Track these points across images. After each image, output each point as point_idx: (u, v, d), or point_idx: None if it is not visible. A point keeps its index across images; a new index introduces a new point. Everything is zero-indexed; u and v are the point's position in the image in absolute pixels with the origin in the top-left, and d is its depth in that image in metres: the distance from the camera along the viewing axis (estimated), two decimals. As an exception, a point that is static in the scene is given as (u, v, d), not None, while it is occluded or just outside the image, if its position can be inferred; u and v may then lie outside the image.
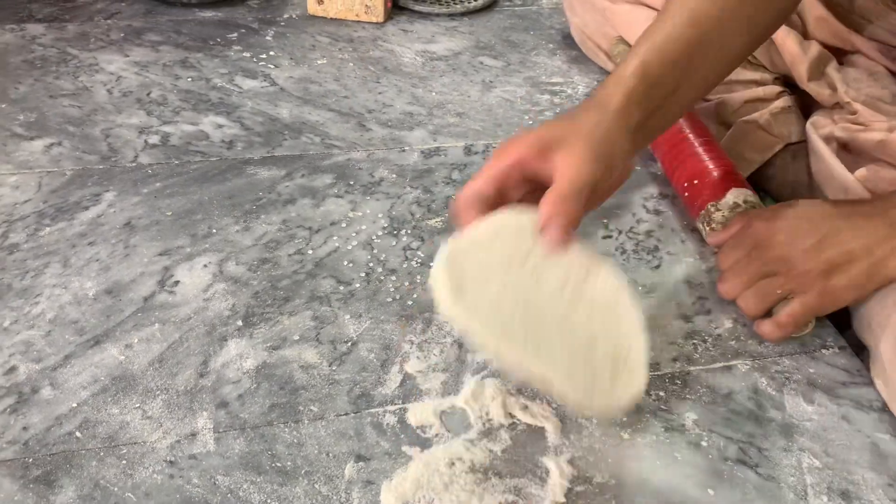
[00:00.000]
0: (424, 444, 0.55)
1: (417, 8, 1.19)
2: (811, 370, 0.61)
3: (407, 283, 0.68)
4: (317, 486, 0.52)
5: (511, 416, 0.57)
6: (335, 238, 0.73)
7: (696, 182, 0.74)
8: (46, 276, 0.68)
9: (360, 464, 0.53)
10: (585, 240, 0.74)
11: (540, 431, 0.56)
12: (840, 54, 0.84)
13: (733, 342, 0.64)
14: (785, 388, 0.60)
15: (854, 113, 0.76)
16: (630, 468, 0.54)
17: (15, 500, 0.50)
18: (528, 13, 1.22)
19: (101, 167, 0.82)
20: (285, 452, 0.54)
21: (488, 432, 0.56)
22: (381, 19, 1.16)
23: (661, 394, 0.59)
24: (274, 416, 0.56)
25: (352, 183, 0.81)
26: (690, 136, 0.79)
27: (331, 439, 0.55)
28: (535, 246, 0.52)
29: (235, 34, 1.11)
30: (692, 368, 0.61)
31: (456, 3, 1.21)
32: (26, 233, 0.72)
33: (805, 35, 0.85)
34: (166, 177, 0.81)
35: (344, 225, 0.75)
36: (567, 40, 1.12)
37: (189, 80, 0.99)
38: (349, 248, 0.72)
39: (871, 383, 0.60)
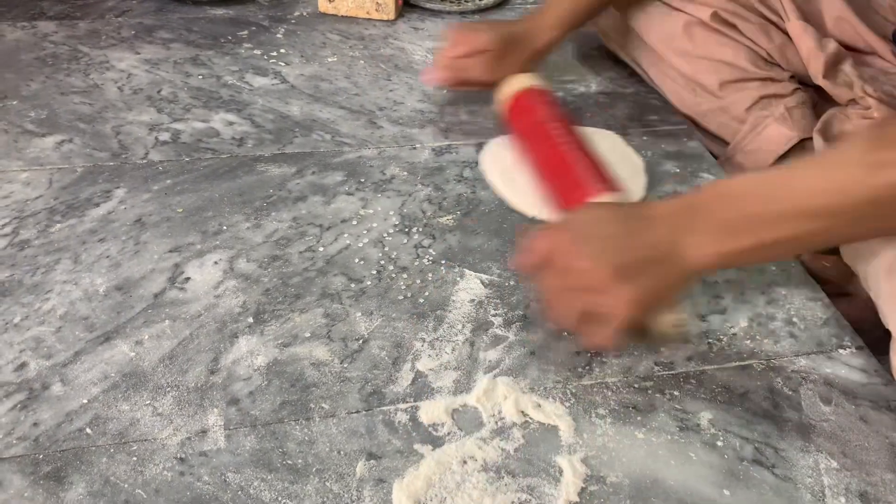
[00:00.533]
0: (436, 442, 0.54)
1: (428, 5, 1.19)
2: (828, 370, 0.61)
3: (418, 281, 0.68)
4: (328, 483, 0.51)
5: (524, 414, 0.57)
6: (346, 235, 0.73)
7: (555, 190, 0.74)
8: (57, 273, 0.67)
9: (372, 462, 0.53)
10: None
11: (553, 430, 0.56)
12: (856, 54, 0.84)
13: (748, 341, 0.63)
14: (801, 388, 0.59)
15: (868, 108, 0.76)
16: (644, 468, 0.53)
17: (25, 496, 0.50)
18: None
19: (111, 164, 0.82)
20: (296, 450, 0.53)
21: (501, 431, 0.55)
22: (391, 17, 1.15)
23: (676, 393, 0.58)
24: (285, 413, 0.56)
25: (363, 180, 0.80)
26: (542, 160, 0.77)
27: (342, 437, 0.54)
28: None
29: (246, 32, 1.11)
30: (707, 368, 0.61)
31: (467, 1, 1.20)
32: (37, 229, 0.72)
33: (822, 33, 0.84)
34: (177, 174, 0.80)
35: (355, 222, 0.75)
36: (580, 38, 1.11)
37: (200, 77, 0.99)
38: (360, 245, 0.72)
39: (889, 383, 0.60)
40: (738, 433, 0.56)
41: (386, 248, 0.71)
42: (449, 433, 0.55)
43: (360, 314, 0.64)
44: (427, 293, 0.67)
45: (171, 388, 0.58)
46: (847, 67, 0.81)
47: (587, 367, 0.60)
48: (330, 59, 1.04)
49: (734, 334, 0.64)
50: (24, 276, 0.67)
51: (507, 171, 0.81)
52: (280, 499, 0.50)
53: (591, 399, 0.58)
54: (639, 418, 0.56)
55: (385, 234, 0.73)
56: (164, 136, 0.86)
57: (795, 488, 0.52)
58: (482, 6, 1.19)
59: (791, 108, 0.84)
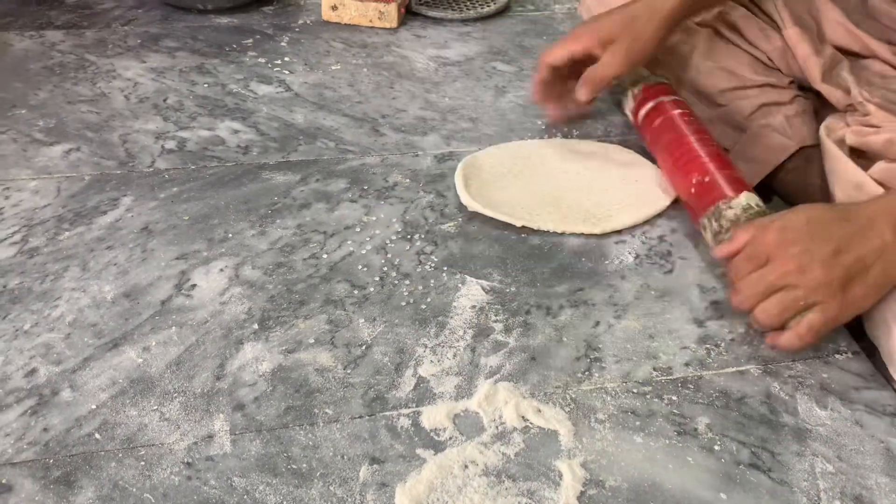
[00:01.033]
0: (438, 447, 0.55)
1: (430, 13, 1.20)
2: (824, 375, 0.62)
3: (421, 287, 0.69)
4: (332, 488, 0.52)
5: (524, 419, 0.58)
6: (349, 242, 0.74)
7: (706, 179, 0.72)
8: (66, 280, 0.69)
9: (375, 466, 0.54)
10: (599, 244, 0.74)
11: (553, 435, 0.56)
12: (853, 58, 0.85)
13: (746, 347, 0.64)
14: (798, 392, 0.60)
15: (867, 114, 0.76)
16: (642, 472, 0.54)
17: (36, 500, 0.51)
18: (540, 18, 1.22)
19: (118, 172, 0.83)
20: (301, 454, 0.54)
21: (501, 435, 0.56)
22: (394, 25, 1.17)
23: (674, 398, 0.59)
24: (289, 418, 0.57)
25: (366, 187, 0.82)
26: (694, 140, 0.77)
27: (345, 442, 0.56)
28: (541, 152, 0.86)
29: (251, 40, 1.12)
30: (705, 373, 0.62)
31: (469, 9, 1.21)
32: (46, 237, 0.73)
33: (820, 38, 0.85)
34: (183, 182, 0.82)
35: (358, 229, 0.76)
36: (580, 45, 1.12)
37: (205, 85, 1.00)
38: (363, 252, 0.73)
39: (884, 387, 0.60)
40: (735, 437, 0.56)
41: (388, 255, 0.73)
42: (450, 438, 0.56)
43: (363, 320, 0.66)
44: (429, 299, 0.68)
45: (177, 394, 0.59)
46: (844, 72, 0.82)
47: (587, 373, 0.61)
48: (333, 67, 1.05)
49: (732, 340, 0.65)
50: (33, 284, 0.68)
51: (483, 188, 0.80)
52: (285, 503, 0.51)
53: (591, 404, 0.59)
54: (637, 423, 0.57)
55: (388, 241, 0.74)
56: (171, 145, 0.88)
57: (791, 492, 0.53)
58: (483, 14, 1.21)
59: (790, 116, 0.84)
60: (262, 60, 1.07)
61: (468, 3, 1.23)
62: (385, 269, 0.71)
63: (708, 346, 0.64)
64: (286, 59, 1.07)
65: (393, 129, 0.92)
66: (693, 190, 0.74)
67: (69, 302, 0.66)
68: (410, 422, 0.57)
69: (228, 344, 0.63)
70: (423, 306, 0.67)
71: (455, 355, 0.63)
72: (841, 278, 0.59)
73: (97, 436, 0.55)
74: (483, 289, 0.69)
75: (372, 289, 0.69)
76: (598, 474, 0.54)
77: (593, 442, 0.56)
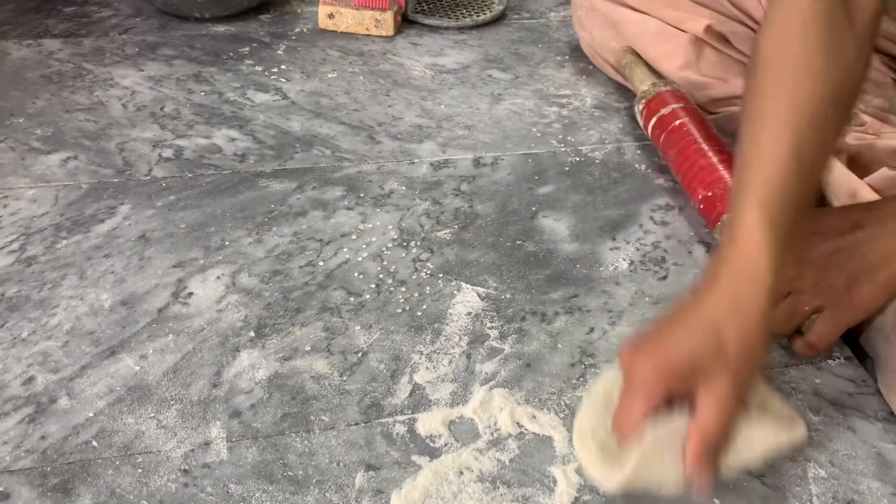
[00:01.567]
0: (433, 453, 0.56)
1: (427, 21, 1.21)
2: (817, 381, 0.62)
3: (416, 294, 0.69)
4: (328, 494, 0.53)
5: (519, 425, 0.58)
6: (346, 250, 0.74)
7: (710, 194, 0.74)
8: (63, 288, 0.69)
9: (371, 473, 0.54)
10: (594, 251, 0.75)
11: (548, 441, 0.57)
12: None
13: (739, 353, 0.64)
14: (791, 398, 0.60)
15: (862, 124, 0.77)
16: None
17: (33, 507, 0.51)
18: (536, 26, 1.23)
19: (116, 181, 0.83)
20: (297, 461, 0.55)
21: (497, 442, 0.57)
22: (390, 33, 1.17)
23: (668, 404, 0.60)
24: (286, 425, 0.57)
25: (362, 195, 0.82)
26: (704, 146, 0.78)
27: (341, 449, 0.56)
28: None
29: (248, 48, 1.13)
30: (698, 379, 0.62)
31: (464, 17, 1.22)
32: (43, 245, 0.74)
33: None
34: (180, 190, 0.82)
35: (354, 237, 0.76)
36: (575, 53, 1.13)
37: (202, 94, 1.01)
38: (359, 259, 0.73)
39: (876, 393, 0.61)
40: (728, 443, 0.57)
41: (385, 262, 0.73)
42: (446, 444, 0.57)
43: (359, 328, 0.66)
44: (425, 306, 0.68)
45: (174, 402, 0.59)
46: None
47: (581, 379, 0.62)
48: (330, 75, 1.06)
49: (725, 346, 0.65)
50: (31, 292, 0.69)
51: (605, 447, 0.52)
52: (281, 509, 0.52)
53: (585, 410, 0.59)
54: (631, 429, 0.58)
55: (384, 249, 0.75)
56: (168, 153, 0.88)
57: (784, 497, 0.53)
58: (479, 21, 1.21)
59: None
60: (258, 69, 1.07)
61: (464, 10, 1.24)
62: (381, 276, 0.71)
63: (701, 352, 0.64)
64: (283, 67, 1.08)
65: (389, 136, 0.93)
66: (701, 206, 0.75)
67: (67, 310, 0.67)
68: (406, 428, 0.58)
69: (225, 351, 0.63)
70: (419, 313, 0.67)
71: (450, 362, 0.63)
72: (845, 281, 0.59)
73: (94, 443, 0.56)
74: (478, 295, 0.69)
75: (368, 296, 0.69)
76: (593, 480, 0.54)
77: (588, 448, 0.56)
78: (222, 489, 0.53)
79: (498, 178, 0.86)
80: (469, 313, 0.68)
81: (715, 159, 0.77)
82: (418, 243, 0.75)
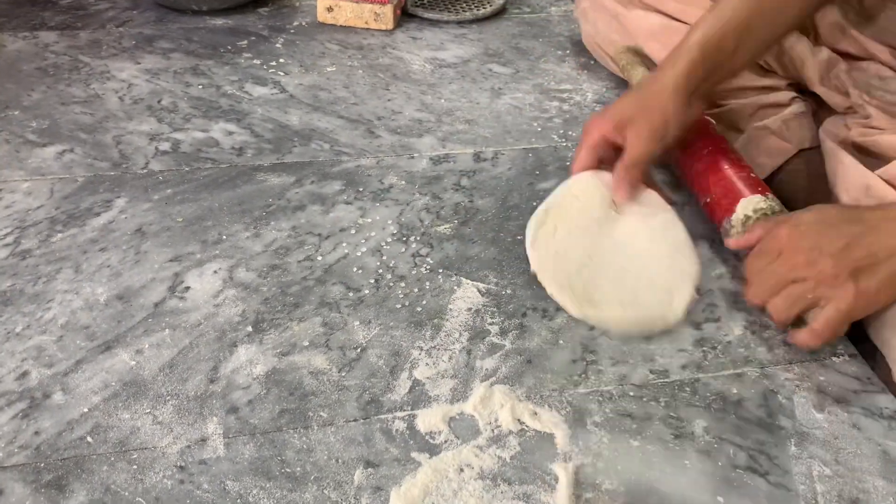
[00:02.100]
0: (433, 450, 0.55)
1: (426, 15, 1.20)
2: (821, 378, 0.61)
3: (416, 290, 0.68)
4: (326, 491, 0.52)
5: (520, 422, 0.57)
6: (344, 244, 0.74)
7: (708, 200, 0.74)
8: (58, 282, 0.68)
9: (370, 470, 0.53)
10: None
11: (549, 438, 0.56)
12: (851, 60, 0.84)
13: (742, 349, 0.64)
14: (795, 395, 0.60)
15: (867, 117, 0.76)
16: (639, 475, 0.54)
17: (27, 504, 0.50)
18: (536, 20, 1.22)
19: (112, 174, 0.82)
20: (295, 458, 0.54)
21: (497, 439, 0.56)
22: (390, 27, 1.16)
23: (671, 401, 0.59)
24: (283, 421, 0.57)
25: (361, 189, 0.81)
26: (700, 148, 0.77)
27: (340, 445, 0.55)
28: (605, 203, 0.71)
29: (246, 42, 1.12)
30: (701, 376, 0.61)
31: (465, 11, 1.21)
32: (38, 239, 0.73)
33: (816, 41, 0.85)
34: (177, 183, 0.81)
35: (353, 231, 0.75)
36: (576, 47, 1.12)
37: (200, 87, 1.00)
38: (358, 254, 0.72)
39: (882, 391, 0.60)
40: (732, 441, 0.56)
41: (384, 257, 0.72)
42: (446, 441, 0.56)
43: (358, 323, 0.65)
44: (424, 302, 0.67)
45: (170, 397, 0.58)
46: (841, 74, 0.82)
47: (583, 376, 0.61)
48: (329, 69, 1.05)
49: (729, 342, 0.64)
50: (25, 286, 0.68)
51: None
52: (279, 506, 0.51)
53: (587, 407, 0.58)
54: (634, 426, 0.57)
55: (383, 243, 0.74)
56: (165, 146, 0.87)
57: (789, 495, 0.53)
58: (479, 16, 1.20)
59: (788, 119, 0.84)
60: (256, 62, 1.06)
61: (464, 4, 1.23)
62: (380, 271, 0.71)
63: (705, 348, 0.64)
64: (281, 60, 1.07)
65: (388, 130, 0.92)
66: (707, 212, 0.75)
67: (62, 304, 0.66)
68: (405, 425, 0.57)
69: (222, 346, 0.62)
70: (419, 309, 0.67)
71: (450, 358, 0.62)
72: (850, 271, 0.59)
73: (89, 439, 0.55)
74: (479, 291, 0.69)
75: (367, 291, 0.68)
76: (595, 478, 0.53)
77: (589, 445, 0.56)
78: (219, 486, 0.52)
79: (498, 172, 0.85)
80: (469, 309, 0.67)
81: (707, 161, 0.76)
82: (418, 238, 0.75)
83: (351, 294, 0.68)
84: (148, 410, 0.57)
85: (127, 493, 0.51)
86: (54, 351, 0.62)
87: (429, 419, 0.57)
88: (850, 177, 0.72)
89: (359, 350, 0.63)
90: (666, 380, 0.61)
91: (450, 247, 0.74)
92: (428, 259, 0.72)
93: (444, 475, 0.53)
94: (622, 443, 0.56)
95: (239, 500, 0.51)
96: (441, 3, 1.23)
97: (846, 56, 0.84)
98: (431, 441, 0.56)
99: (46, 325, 0.64)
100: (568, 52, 1.12)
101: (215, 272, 0.70)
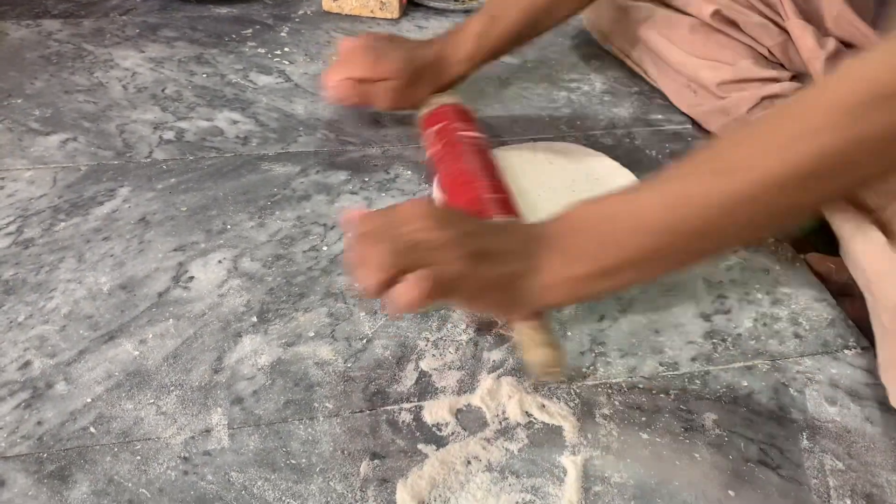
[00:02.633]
0: (440, 442, 0.54)
1: (432, 4, 1.19)
2: (833, 371, 0.60)
3: (422, 280, 0.68)
4: (332, 483, 0.51)
5: (528, 414, 0.56)
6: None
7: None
8: (61, 271, 0.67)
9: (376, 461, 0.53)
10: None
11: (557, 430, 0.55)
12: (857, 51, 0.83)
13: (753, 342, 0.63)
14: (807, 388, 0.59)
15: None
16: (649, 468, 0.53)
17: (29, 494, 0.50)
18: (543, 10, 1.21)
19: (115, 163, 0.82)
20: (300, 449, 0.53)
21: (505, 431, 0.55)
22: (395, 15, 1.15)
23: (681, 393, 0.58)
24: (289, 412, 0.56)
25: (367, 179, 0.80)
26: (456, 167, 0.72)
27: (346, 437, 0.54)
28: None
29: (250, 30, 1.11)
30: (711, 368, 0.60)
31: (472, 0, 1.20)
32: (41, 228, 0.72)
33: (823, 31, 0.84)
34: (181, 172, 0.80)
35: (359, 221, 0.74)
36: (584, 37, 1.11)
37: (204, 76, 0.99)
38: (364, 244, 0.72)
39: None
40: (743, 434, 0.55)
41: (390, 248, 0.71)
42: (453, 433, 0.55)
43: (364, 313, 0.64)
44: (431, 292, 0.66)
45: (174, 388, 0.58)
46: (847, 66, 0.81)
47: (591, 368, 0.60)
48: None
49: (739, 335, 0.63)
50: (28, 275, 0.67)
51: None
52: (284, 498, 0.50)
53: (596, 399, 0.58)
54: (643, 419, 0.56)
55: (389, 234, 0.73)
56: (169, 135, 0.86)
57: (801, 489, 0.52)
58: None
59: None
60: (261, 51, 1.05)
61: (470, -6, 1.22)
62: (386, 261, 0.70)
63: (715, 340, 0.63)
64: (286, 49, 1.06)
65: (394, 120, 0.91)
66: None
67: (65, 294, 0.65)
68: (412, 416, 0.56)
69: (227, 337, 0.62)
70: (425, 299, 0.66)
71: (457, 349, 0.61)
72: (474, 251, 0.52)
73: (92, 429, 0.54)
74: (486, 282, 0.68)
75: (373, 281, 0.67)
76: (604, 471, 0.53)
77: (598, 438, 0.55)
78: (223, 477, 0.51)
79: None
80: (476, 300, 0.66)
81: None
82: (424, 228, 0.74)
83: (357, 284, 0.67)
84: (152, 401, 0.56)
85: (130, 485, 0.51)
86: (57, 341, 0.61)
87: (435, 411, 0.56)
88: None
89: (365, 341, 0.62)
90: (675, 372, 0.60)
91: (456, 237, 0.73)
92: (434, 249, 0.71)
93: (452, 467, 0.52)
94: (631, 435, 0.55)
95: (244, 492, 0.51)
96: (447, -8, 1.22)
97: (853, 48, 0.83)
98: (438, 433, 0.55)
99: (49, 314, 0.63)
100: (576, 41, 1.10)
101: (220, 262, 0.69)
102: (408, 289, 0.50)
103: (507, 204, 0.68)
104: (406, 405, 0.57)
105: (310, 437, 0.54)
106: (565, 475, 0.52)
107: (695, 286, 0.68)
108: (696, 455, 0.54)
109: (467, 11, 1.18)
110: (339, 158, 0.84)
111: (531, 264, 0.53)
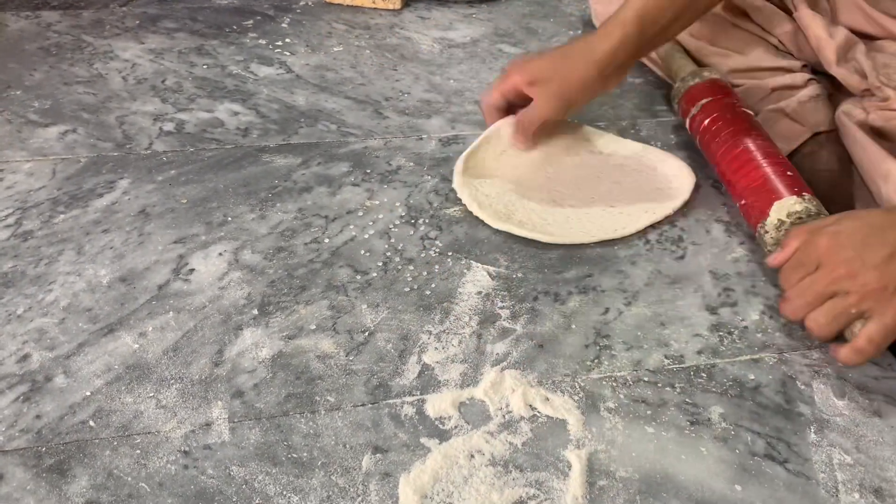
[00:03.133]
0: (443, 435, 0.54)
1: (435, -5, 1.18)
2: (842, 364, 0.60)
3: (425, 273, 0.67)
4: (333, 477, 0.51)
5: (532, 408, 0.56)
6: (352, 227, 0.72)
7: (743, 202, 0.70)
8: (60, 264, 0.67)
9: (378, 455, 0.52)
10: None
11: (561, 424, 0.55)
12: (868, 40, 0.82)
13: (760, 334, 0.62)
14: (814, 381, 0.58)
15: (886, 99, 0.74)
16: (654, 463, 0.52)
17: (27, 489, 0.49)
18: (547, 0, 1.20)
19: (115, 154, 0.81)
20: (301, 443, 0.53)
21: (508, 424, 0.55)
22: (398, 6, 1.14)
23: (687, 387, 0.57)
24: (290, 406, 0.55)
25: (368, 171, 0.80)
26: (734, 147, 0.73)
27: (348, 430, 0.54)
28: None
29: (251, 21, 1.10)
30: (718, 361, 0.60)
31: (474, -10, 1.19)
32: (40, 220, 0.72)
33: (833, 20, 0.83)
34: (181, 164, 0.80)
35: (361, 213, 0.74)
36: (587, 27, 1.10)
37: (204, 67, 0.98)
38: (366, 236, 0.71)
39: (903, 378, 0.59)
40: (749, 427, 0.55)
41: (392, 240, 0.71)
42: (456, 427, 0.54)
43: (365, 306, 0.64)
44: (433, 285, 0.66)
45: (174, 381, 0.57)
46: (859, 55, 0.80)
47: (596, 361, 0.59)
48: (335, 49, 1.03)
49: (745, 327, 0.63)
50: (27, 267, 0.66)
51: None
52: (285, 492, 0.50)
53: (601, 393, 0.57)
54: (649, 412, 0.56)
55: (391, 226, 0.72)
56: (169, 127, 0.86)
57: (808, 483, 0.51)
58: (489, -5, 1.18)
59: (804, 101, 0.82)
60: (262, 42, 1.04)
61: (473, -16, 1.21)
62: (388, 254, 0.69)
63: (721, 333, 0.62)
64: (287, 40, 1.05)
65: (396, 111, 0.90)
66: (742, 214, 0.72)
67: (64, 286, 0.65)
68: (415, 410, 0.55)
69: (227, 330, 0.61)
70: (428, 292, 0.65)
71: (460, 342, 0.61)
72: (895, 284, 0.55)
73: (91, 423, 0.54)
74: (489, 274, 0.67)
75: (375, 274, 0.67)
76: (609, 465, 0.52)
77: (603, 431, 0.54)
78: (224, 471, 0.51)
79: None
80: (479, 293, 0.65)
81: (740, 161, 0.72)
82: (426, 220, 0.73)
83: (358, 277, 0.66)
84: (151, 394, 0.56)
85: (130, 479, 0.50)
86: (56, 333, 0.60)
87: (438, 404, 0.56)
88: (871, 163, 0.70)
89: (367, 334, 0.61)
90: (681, 365, 0.59)
91: (459, 230, 0.72)
92: (437, 242, 0.71)
93: (455, 461, 0.52)
94: (637, 429, 0.54)
95: (244, 486, 0.50)
96: (449, -17, 1.21)
97: (864, 36, 0.82)
98: (441, 426, 0.54)
99: (48, 307, 0.63)
100: (579, 32, 1.09)
101: (220, 254, 0.68)
102: (854, 356, 0.56)
103: (802, 183, 0.68)
104: (409, 399, 0.56)
105: (311, 431, 0.54)
106: (570, 469, 0.52)
107: (701, 278, 0.67)
108: (703, 449, 0.53)
109: (470, 3, 1.17)
110: (340, 150, 0.83)
111: None
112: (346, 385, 0.57)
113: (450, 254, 0.69)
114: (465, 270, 0.67)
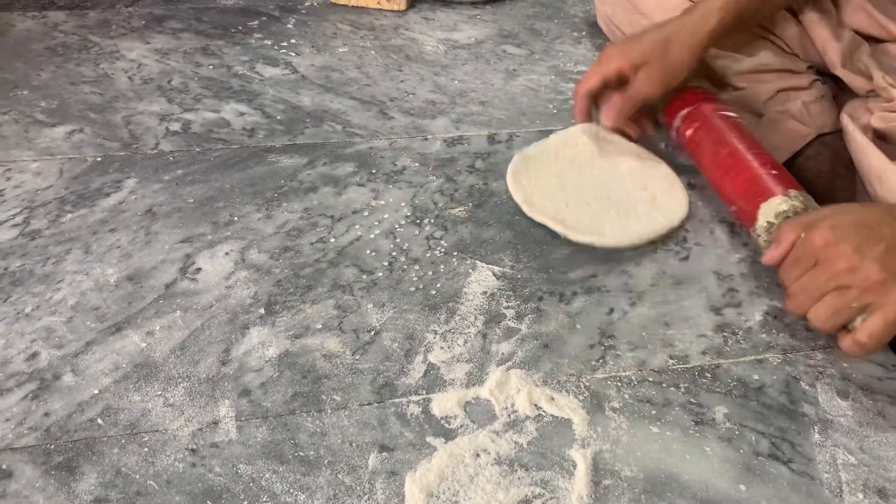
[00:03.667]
0: (449, 435, 0.54)
1: (439, -4, 1.18)
2: (845, 365, 0.60)
3: (430, 273, 0.67)
4: (340, 476, 0.51)
5: (537, 407, 0.56)
6: (357, 227, 0.72)
7: (735, 208, 0.70)
8: (68, 263, 0.67)
9: (384, 454, 0.52)
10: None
11: (567, 423, 0.55)
12: (874, 42, 0.83)
13: (764, 335, 0.62)
14: (818, 382, 0.58)
15: (891, 100, 0.74)
16: (659, 462, 0.52)
17: (36, 486, 0.50)
18: (551, 1, 1.20)
19: (122, 154, 0.81)
20: (308, 442, 0.53)
21: (514, 424, 0.55)
22: (402, 7, 1.15)
23: (691, 387, 0.58)
24: (296, 404, 0.56)
25: (374, 171, 0.80)
26: (716, 154, 0.73)
27: (354, 429, 0.54)
28: (587, 148, 0.80)
29: (257, 22, 1.10)
30: (722, 361, 0.60)
31: (478, -9, 1.19)
32: (48, 219, 0.72)
33: (839, 22, 0.83)
34: (188, 164, 0.80)
35: (366, 213, 0.74)
36: (592, 28, 1.10)
37: (210, 67, 0.98)
38: (371, 236, 0.71)
39: (907, 378, 0.59)
40: (753, 428, 0.55)
41: (397, 240, 0.71)
42: (461, 426, 0.55)
43: (371, 306, 0.64)
44: (439, 285, 0.66)
45: (182, 379, 0.57)
46: (864, 56, 0.80)
47: (601, 360, 0.60)
48: (341, 50, 1.04)
49: (749, 328, 0.63)
50: (35, 266, 0.67)
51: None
52: (292, 491, 0.50)
53: (606, 392, 0.57)
54: (653, 412, 0.56)
55: (396, 226, 0.73)
56: (175, 127, 0.86)
57: (812, 484, 0.51)
58: (494, -4, 1.18)
59: (809, 102, 0.82)
60: (268, 42, 1.05)
61: (477, -15, 1.21)
62: (394, 253, 0.69)
63: (725, 333, 0.62)
64: (293, 41, 1.05)
65: (401, 112, 0.90)
66: (736, 218, 0.72)
67: (71, 285, 0.65)
68: (420, 409, 0.56)
69: (234, 329, 0.62)
70: (433, 292, 0.65)
71: (466, 342, 0.61)
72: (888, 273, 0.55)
73: (99, 421, 0.54)
74: (494, 274, 0.67)
75: (380, 274, 0.67)
76: (613, 464, 0.52)
77: (608, 431, 0.54)
78: (231, 469, 0.51)
79: (513, 155, 0.83)
80: (484, 292, 0.66)
81: (727, 164, 0.72)
82: (432, 221, 0.73)
83: (364, 277, 0.67)
84: (159, 393, 0.56)
85: (138, 476, 0.51)
86: (64, 332, 0.61)
87: (444, 403, 0.56)
88: (868, 165, 0.71)
89: (372, 333, 0.62)
90: (686, 365, 0.60)
91: (464, 229, 0.72)
92: (442, 242, 0.71)
93: (460, 460, 0.52)
94: (641, 429, 0.55)
95: (251, 484, 0.50)
96: (454, -16, 1.21)
97: (869, 39, 0.83)
98: (447, 426, 0.55)
99: (56, 305, 0.63)
100: (584, 33, 1.10)
101: (227, 254, 0.69)
102: (855, 348, 0.56)
103: (787, 178, 0.67)
104: (414, 398, 0.57)
105: (318, 430, 0.54)
106: (575, 468, 0.52)
107: (705, 279, 0.67)
108: (707, 449, 0.53)
109: (474, 4, 1.17)
110: (346, 150, 0.83)
111: None
112: (352, 384, 0.57)
113: (455, 254, 0.70)
114: (471, 270, 0.68)
